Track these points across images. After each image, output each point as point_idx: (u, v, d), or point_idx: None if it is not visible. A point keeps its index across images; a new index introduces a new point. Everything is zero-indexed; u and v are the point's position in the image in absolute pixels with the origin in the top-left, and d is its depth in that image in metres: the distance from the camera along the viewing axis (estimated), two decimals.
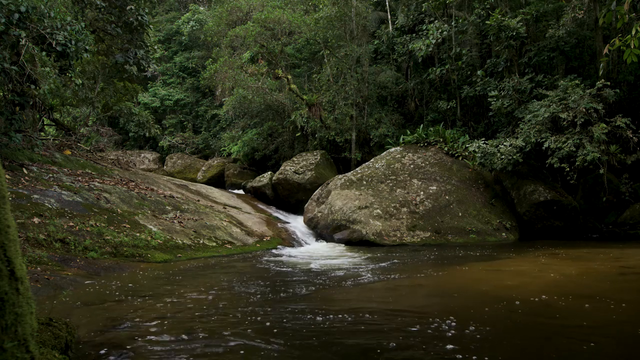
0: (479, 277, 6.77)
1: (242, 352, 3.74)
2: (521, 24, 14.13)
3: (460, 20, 16.87)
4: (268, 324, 4.49)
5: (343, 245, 11.83)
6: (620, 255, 8.43)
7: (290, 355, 3.65)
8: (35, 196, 8.92)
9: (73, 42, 9.28)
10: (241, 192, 18.49)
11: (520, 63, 15.08)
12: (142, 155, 26.41)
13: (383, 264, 8.28)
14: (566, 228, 12.38)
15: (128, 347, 3.79)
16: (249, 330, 4.28)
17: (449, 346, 3.67)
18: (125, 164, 17.00)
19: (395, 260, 8.73)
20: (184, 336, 4.05)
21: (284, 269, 8.07)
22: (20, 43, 8.52)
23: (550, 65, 15.27)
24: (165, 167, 25.10)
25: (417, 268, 7.79)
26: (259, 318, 4.72)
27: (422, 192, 13.23)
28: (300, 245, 12.03)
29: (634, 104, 13.87)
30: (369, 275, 7.16)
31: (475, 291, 5.78)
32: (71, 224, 8.42)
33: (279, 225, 13.44)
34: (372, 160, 15.27)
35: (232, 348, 3.81)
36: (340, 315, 4.68)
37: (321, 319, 4.63)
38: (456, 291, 5.83)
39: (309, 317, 4.74)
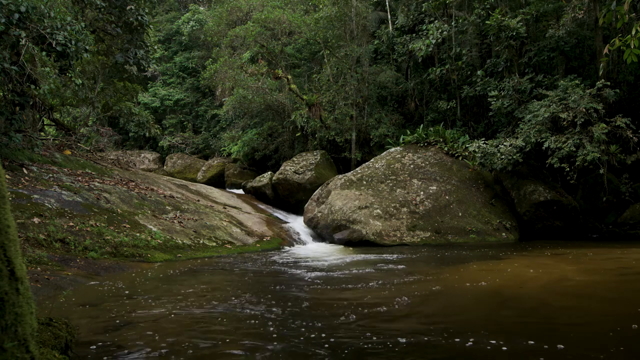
0: (526, 284, 6.19)
1: (242, 356, 3.74)
2: (521, 24, 14.12)
3: (460, 20, 16.87)
4: (271, 326, 4.48)
5: (343, 245, 11.82)
6: (624, 255, 8.44)
7: None
8: (35, 196, 8.92)
9: (73, 42, 9.28)
10: (241, 192, 18.48)
11: (520, 63, 15.08)
12: (142, 155, 26.41)
13: (394, 266, 8.05)
14: (566, 228, 12.37)
15: (128, 347, 3.79)
16: (250, 334, 4.27)
17: None
18: (125, 164, 16.99)
19: (402, 262, 8.60)
20: (184, 337, 4.05)
21: (285, 270, 8.06)
22: (20, 43, 8.51)
23: (550, 65, 15.26)
24: (165, 167, 25.10)
25: (436, 271, 7.48)
26: (261, 321, 4.72)
27: (422, 192, 13.23)
28: (300, 245, 12.03)
29: (634, 104, 13.86)
30: (383, 279, 6.77)
31: (544, 303, 5.20)
32: (71, 224, 8.42)
33: (279, 225, 13.44)
34: (372, 160, 15.27)
35: (232, 351, 3.81)
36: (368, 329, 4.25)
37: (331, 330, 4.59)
38: (518, 302, 5.28)
39: (318, 325, 4.72)
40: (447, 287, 6.18)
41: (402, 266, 8.03)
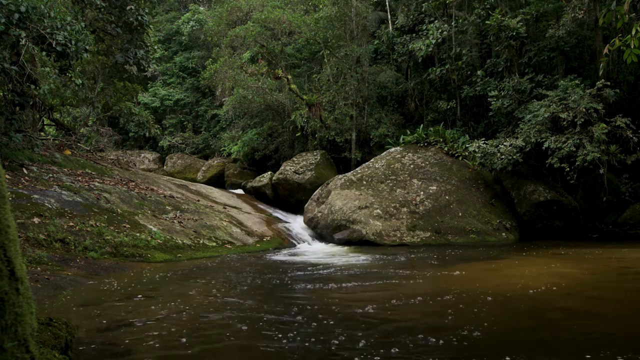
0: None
1: (241, 355, 3.74)
2: (521, 24, 14.12)
3: (460, 20, 16.87)
4: (273, 329, 4.48)
5: (343, 245, 11.82)
6: (622, 255, 8.45)
7: None
8: (35, 196, 8.92)
9: (73, 42, 9.27)
10: (241, 192, 18.48)
11: (520, 63, 15.07)
12: (142, 155, 26.41)
13: (405, 271, 7.65)
14: (566, 228, 12.37)
15: (128, 347, 3.79)
16: (249, 335, 4.27)
17: None
18: (125, 164, 16.99)
19: (411, 263, 8.47)
20: (184, 338, 4.04)
21: (286, 270, 8.05)
22: (20, 43, 8.51)
23: (550, 65, 15.26)
24: (165, 167, 25.10)
25: (458, 273, 7.14)
26: (261, 322, 4.71)
27: (422, 192, 13.22)
28: (301, 245, 12.03)
29: (634, 104, 13.86)
30: (401, 285, 6.36)
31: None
32: (71, 224, 8.42)
33: (279, 225, 13.44)
34: (372, 160, 15.27)
35: (232, 352, 3.81)
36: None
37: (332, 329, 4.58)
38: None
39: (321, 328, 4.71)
40: (493, 293, 5.62)
41: (414, 271, 7.54)
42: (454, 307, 5.00)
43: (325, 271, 7.76)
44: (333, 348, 3.74)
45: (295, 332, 4.13)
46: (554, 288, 5.80)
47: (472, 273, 7.17)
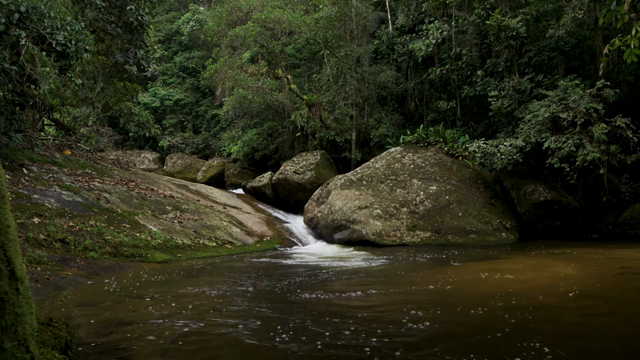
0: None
1: (240, 355, 3.74)
2: (521, 24, 14.13)
3: (460, 20, 16.87)
4: (272, 327, 4.48)
5: (343, 245, 11.81)
6: (622, 255, 8.43)
7: None
8: (35, 196, 8.92)
9: (73, 42, 9.27)
10: (241, 192, 18.48)
11: (520, 63, 15.07)
12: (142, 155, 26.41)
13: (413, 272, 7.43)
14: (566, 228, 12.37)
15: (128, 347, 3.79)
16: (250, 335, 4.27)
17: None
18: (125, 164, 16.99)
19: (412, 263, 8.38)
20: (184, 337, 4.04)
21: (286, 271, 8.05)
22: (20, 43, 8.51)
23: (550, 65, 15.26)
24: (165, 167, 25.10)
25: (481, 275, 6.98)
26: (262, 323, 4.71)
27: (422, 192, 13.22)
28: (301, 245, 12.02)
29: (634, 104, 13.86)
30: (413, 292, 6.02)
31: None
32: (71, 224, 8.42)
33: (279, 225, 13.44)
34: (372, 160, 15.26)
35: (233, 352, 3.81)
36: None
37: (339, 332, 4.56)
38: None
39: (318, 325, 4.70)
40: (530, 297, 5.34)
41: (427, 273, 7.31)
42: (499, 317, 4.59)
43: (328, 272, 7.75)
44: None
45: (302, 336, 4.11)
46: (598, 285, 5.64)
47: (492, 275, 6.85)
